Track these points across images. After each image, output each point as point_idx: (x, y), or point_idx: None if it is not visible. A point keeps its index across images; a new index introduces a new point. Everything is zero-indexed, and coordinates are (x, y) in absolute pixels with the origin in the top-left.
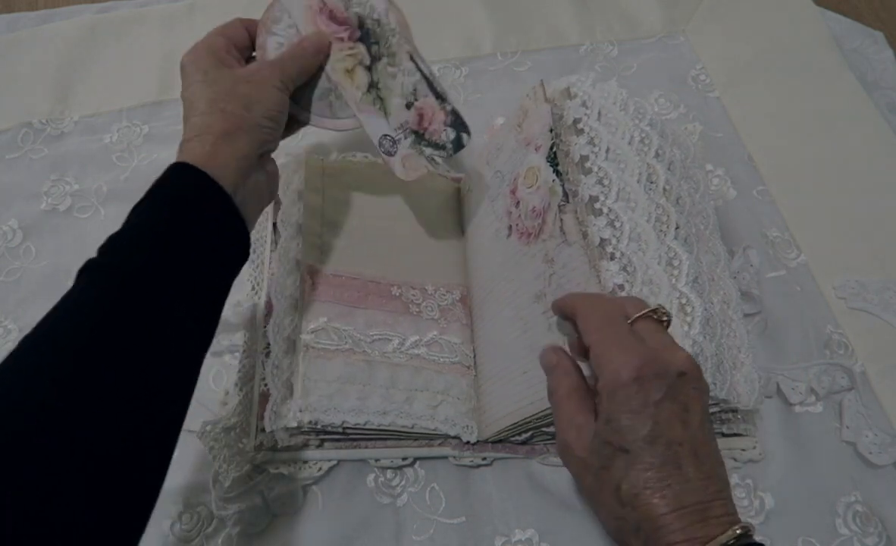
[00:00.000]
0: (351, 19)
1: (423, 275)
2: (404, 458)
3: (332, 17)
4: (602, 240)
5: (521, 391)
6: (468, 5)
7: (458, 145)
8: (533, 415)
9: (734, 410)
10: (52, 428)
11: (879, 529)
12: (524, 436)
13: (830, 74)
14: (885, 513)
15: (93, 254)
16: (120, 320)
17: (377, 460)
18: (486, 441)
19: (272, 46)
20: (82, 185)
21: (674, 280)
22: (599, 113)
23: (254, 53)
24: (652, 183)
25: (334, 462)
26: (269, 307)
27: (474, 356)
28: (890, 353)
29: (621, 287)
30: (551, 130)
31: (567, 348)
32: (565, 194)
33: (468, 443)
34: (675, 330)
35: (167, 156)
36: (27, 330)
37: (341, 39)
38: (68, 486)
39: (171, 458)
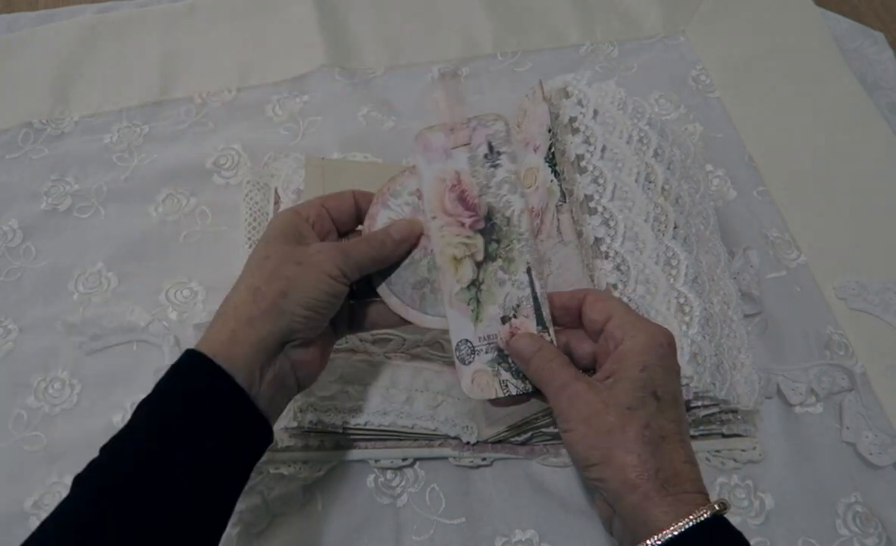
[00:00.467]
0: (480, 208)
1: None
2: (404, 459)
3: (462, 199)
4: (596, 239)
5: None
6: (468, 5)
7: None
8: (532, 414)
9: (734, 411)
10: None
11: (879, 530)
12: (524, 436)
13: (830, 75)
14: (885, 513)
15: (92, 254)
16: (118, 535)
17: (377, 461)
18: (485, 441)
19: (381, 221)
20: (82, 185)
21: (672, 280)
22: (595, 111)
23: (359, 227)
24: (650, 182)
25: (334, 462)
26: None
27: None
28: (890, 354)
29: (615, 286)
30: (549, 130)
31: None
32: (563, 194)
33: (468, 443)
34: (674, 329)
35: (167, 156)
36: (27, 330)
37: (462, 224)
38: None
39: None
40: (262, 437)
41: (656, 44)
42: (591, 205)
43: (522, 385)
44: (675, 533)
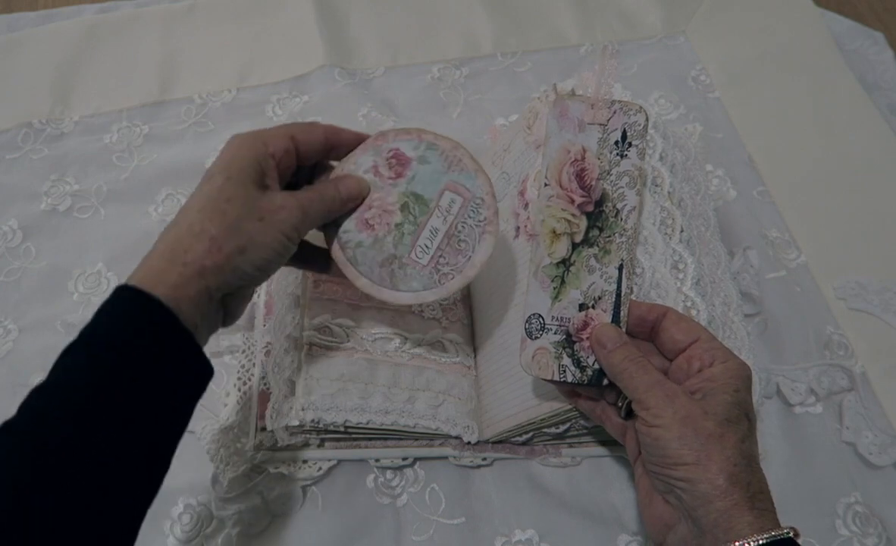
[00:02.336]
0: (596, 191)
1: None
2: (404, 459)
3: (580, 176)
4: None
5: (526, 392)
6: (468, 5)
7: (599, 378)
8: (539, 416)
9: None
10: None
11: (879, 530)
12: (525, 436)
13: (830, 75)
14: (884, 513)
15: (92, 254)
16: (34, 501)
17: (377, 460)
18: (486, 441)
19: (362, 165)
20: (82, 185)
21: (679, 283)
22: None
23: (332, 163)
24: (657, 186)
25: (334, 462)
26: (269, 306)
27: (475, 356)
28: (890, 354)
29: (630, 289)
30: None
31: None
32: None
33: (468, 443)
34: None
35: (167, 156)
36: (27, 330)
37: (571, 201)
38: None
39: None
40: (204, 375)
41: (656, 44)
42: None
43: (580, 375)
44: (759, 542)
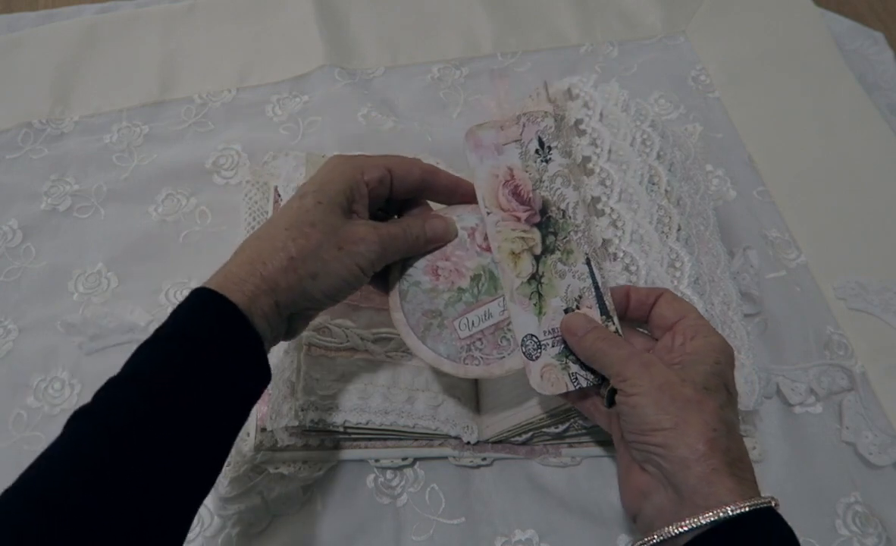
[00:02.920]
0: (536, 201)
1: None
2: (404, 459)
3: (516, 194)
4: (604, 240)
5: (526, 392)
6: (468, 5)
7: None
8: (538, 416)
9: None
10: None
11: (879, 530)
12: (524, 436)
13: (830, 75)
14: (884, 513)
15: (92, 254)
16: (109, 480)
17: (377, 460)
18: (486, 441)
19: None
20: (82, 185)
21: (676, 281)
22: (601, 114)
23: (431, 203)
24: (654, 184)
25: (334, 462)
26: None
27: None
28: (890, 354)
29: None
30: None
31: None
32: None
33: (468, 443)
34: None
35: (167, 156)
36: (27, 330)
37: (517, 219)
38: None
39: None
40: (263, 382)
41: (656, 44)
42: (599, 206)
43: (593, 376)
44: (742, 510)
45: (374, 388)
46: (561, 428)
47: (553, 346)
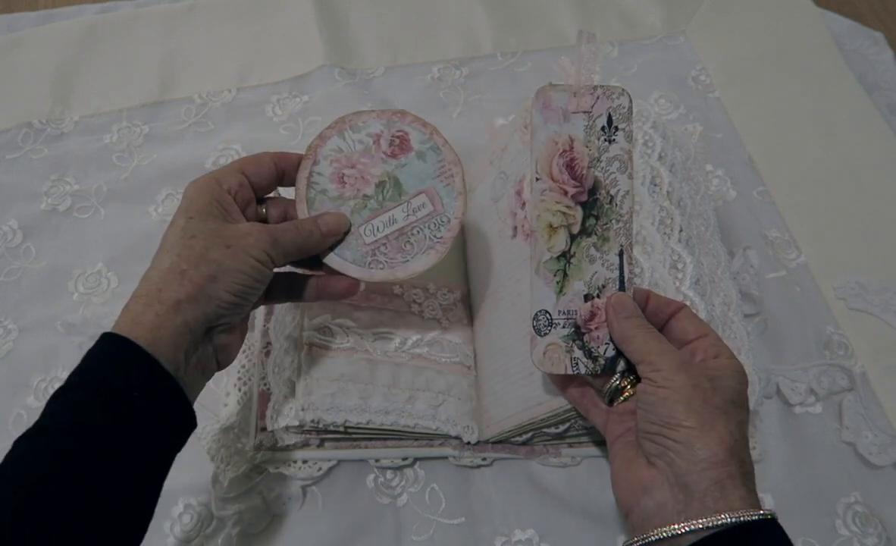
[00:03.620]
0: (588, 180)
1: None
2: (404, 459)
3: (570, 167)
4: None
5: (527, 392)
6: (468, 5)
7: (611, 367)
8: (539, 416)
9: None
10: None
11: (879, 530)
12: (524, 436)
13: (830, 75)
14: (884, 513)
15: (92, 254)
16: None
17: (377, 460)
18: (486, 441)
19: (320, 171)
20: (82, 185)
21: (678, 283)
22: None
23: (281, 191)
24: (656, 186)
25: (334, 462)
26: (269, 307)
27: (475, 356)
28: (890, 354)
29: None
30: None
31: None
32: None
33: (468, 443)
34: None
35: (167, 156)
36: (27, 330)
37: (564, 193)
38: None
39: None
40: (186, 424)
41: (656, 44)
42: None
43: (593, 365)
44: (751, 518)
45: (374, 387)
46: (561, 428)
47: (563, 328)
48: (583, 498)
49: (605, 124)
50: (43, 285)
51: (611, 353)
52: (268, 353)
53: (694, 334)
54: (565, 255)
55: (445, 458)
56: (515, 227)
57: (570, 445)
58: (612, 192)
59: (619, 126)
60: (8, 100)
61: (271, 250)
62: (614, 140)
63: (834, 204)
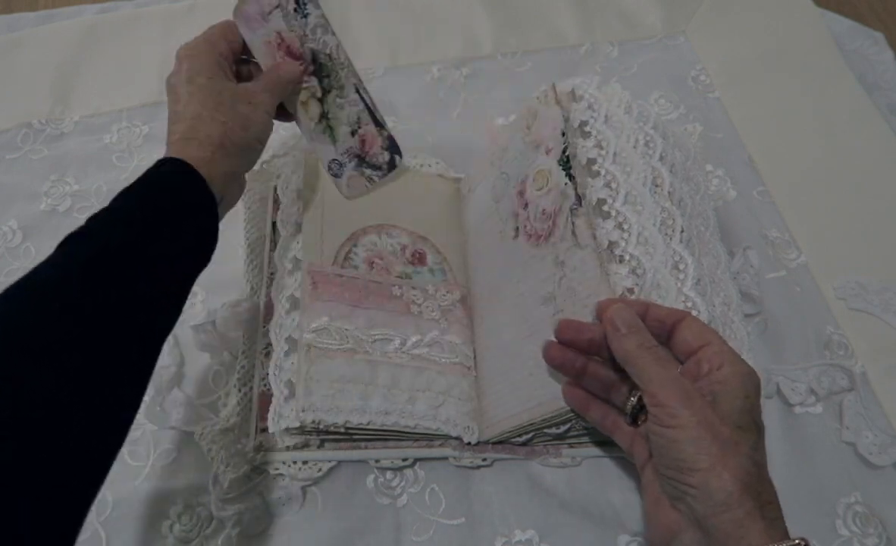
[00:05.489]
0: (306, 54)
1: None
2: (404, 459)
3: (290, 53)
4: (610, 242)
5: (527, 393)
6: (468, 5)
7: (392, 166)
8: (540, 417)
9: None
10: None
11: (879, 530)
12: (525, 437)
13: (831, 75)
14: (885, 513)
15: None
16: (91, 296)
17: (377, 461)
18: (486, 442)
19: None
20: (82, 185)
21: (679, 284)
22: (606, 116)
23: (244, 56)
24: (657, 186)
25: (334, 463)
26: (269, 308)
27: (474, 357)
28: (890, 354)
29: (631, 291)
30: (563, 134)
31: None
32: (578, 198)
33: (468, 444)
34: None
35: None
36: None
37: None
38: (12, 455)
39: (120, 446)
40: (212, 248)
41: (656, 44)
42: (605, 208)
43: (380, 173)
44: None
45: (374, 388)
46: (561, 429)
47: (350, 162)
48: (583, 498)
49: (296, 5)
50: None
51: (387, 157)
52: (268, 355)
53: (697, 343)
54: (324, 116)
55: (445, 458)
56: (517, 228)
57: (571, 446)
58: (327, 51)
59: (306, 1)
60: (8, 100)
61: (274, 104)
62: (307, 13)
63: (834, 204)
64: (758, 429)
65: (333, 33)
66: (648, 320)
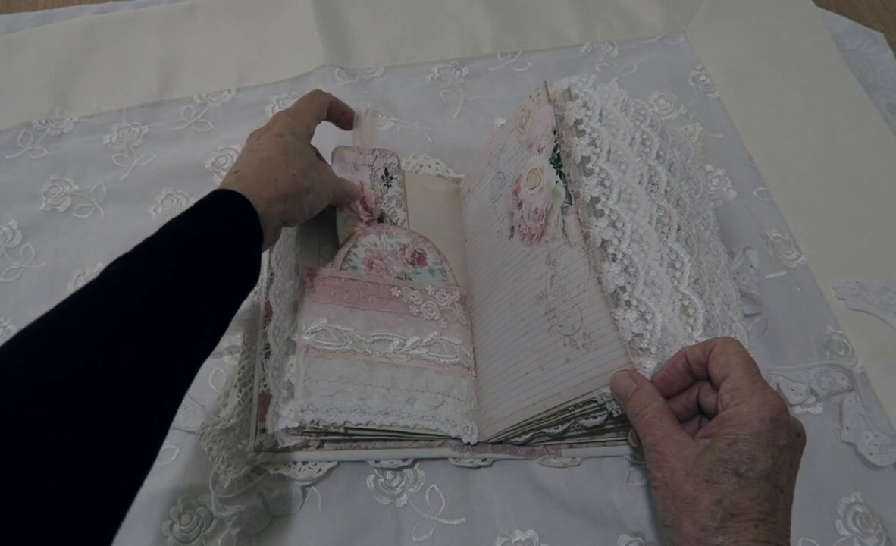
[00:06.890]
0: (376, 212)
1: None
2: (404, 459)
3: (363, 202)
4: (603, 241)
5: (522, 392)
6: (468, 5)
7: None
8: (535, 415)
9: None
10: (58, 407)
11: (879, 530)
12: (524, 437)
13: (831, 75)
14: (885, 514)
15: (92, 254)
16: (143, 313)
17: (377, 461)
18: (486, 442)
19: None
20: (82, 185)
21: (676, 282)
22: (601, 114)
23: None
24: (653, 185)
25: (334, 463)
26: (268, 309)
27: (474, 357)
28: (890, 354)
29: (623, 289)
30: (554, 132)
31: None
32: (568, 196)
33: (468, 444)
34: (679, 332)
35: (167, 156)
36: None
37: (360, 219)
38: (65, 471)
39: (156, 455)
40: (254, 281)
41: (656, 44)
42: (598, 207)
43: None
44: None
45: (373, 389)
46: (561, 428)
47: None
48: (583, 498)
49: (384, 174)
50: (42, 286)
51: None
52: (268, 355)
53: (720, 376)
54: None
55: (445, 458)
56: (513, 227)
57: (571, 446)
58: (394, 220)
59: (393, 176)
60: (7, 100)
61: (332, 194)
62: (391, 185)
63: (834, 204)
64: (736, 476)
65: (405, 211)
66: (691, 364)
